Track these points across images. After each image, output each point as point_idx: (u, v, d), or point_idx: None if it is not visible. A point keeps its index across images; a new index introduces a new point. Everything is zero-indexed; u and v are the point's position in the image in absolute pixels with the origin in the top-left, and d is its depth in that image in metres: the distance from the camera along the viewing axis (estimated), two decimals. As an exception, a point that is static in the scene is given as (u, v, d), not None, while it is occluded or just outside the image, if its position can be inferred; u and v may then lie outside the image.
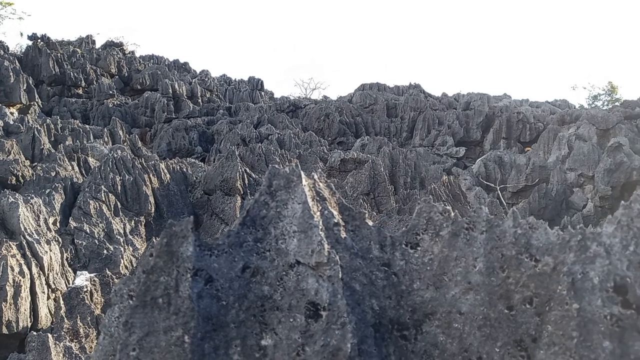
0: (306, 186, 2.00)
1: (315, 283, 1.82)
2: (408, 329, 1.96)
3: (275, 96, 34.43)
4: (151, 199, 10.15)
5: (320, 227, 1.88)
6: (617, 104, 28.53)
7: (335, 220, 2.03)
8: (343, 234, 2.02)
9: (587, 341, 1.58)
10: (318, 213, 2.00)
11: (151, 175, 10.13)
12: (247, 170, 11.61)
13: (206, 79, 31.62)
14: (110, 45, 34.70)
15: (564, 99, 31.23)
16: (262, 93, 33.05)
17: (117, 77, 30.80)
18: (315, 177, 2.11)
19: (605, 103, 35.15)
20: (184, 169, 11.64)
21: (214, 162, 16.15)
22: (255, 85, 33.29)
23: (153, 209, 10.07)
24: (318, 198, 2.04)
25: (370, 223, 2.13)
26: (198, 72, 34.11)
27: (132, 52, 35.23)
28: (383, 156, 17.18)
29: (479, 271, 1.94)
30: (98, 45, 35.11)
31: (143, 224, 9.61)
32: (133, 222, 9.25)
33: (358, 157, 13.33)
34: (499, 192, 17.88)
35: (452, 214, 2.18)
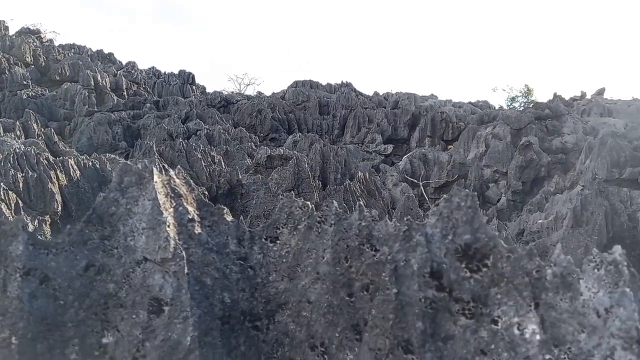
0: (158, 182, 2.00)
1: (161, 279, 1.83)
2: (260, 319, 2.02)
3: (207, 91, 33.60)
4: (58, 197, 9.54)
5: (169, 224, 1.89)
6: (531, 105, 30.73)
7: (190, 217, 2.04)
8: (198, 230, 2.04)
9: (402, 322, 1.71)
10: (171, 209, 2.00)
11: (58, 172, 9.51)
12: (166, 167, 11.24)
13: (132, 71, 30.21)
14: (25, 32, 32.11)
15: (485, 100, 33.27)
16: (194, 87, 32.15)
17: (32, 66, 28.60)
18: (172, 173, 2.11)
19: (522, 104, 37.76)
20: (99, 165, 11.06)
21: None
22: (186, 79, 32.30)
23: (60, 208, 9.47)
24: (173, 194, 2.05)
25: (229, 219, 2.17)
26: (124, 63, 32.49)
27: (51, 41, 32.86)
28: (314, 153, 17.38)
29: (326, 262, 2.04)
30: (12, 32, 32.37)
31: (48, 223, 9.02)
32: (37, 221, 8.65)
33: (284, 153, 13.37)
34: (422, 187, 18.71)
35: (311, 207, 2.28)
